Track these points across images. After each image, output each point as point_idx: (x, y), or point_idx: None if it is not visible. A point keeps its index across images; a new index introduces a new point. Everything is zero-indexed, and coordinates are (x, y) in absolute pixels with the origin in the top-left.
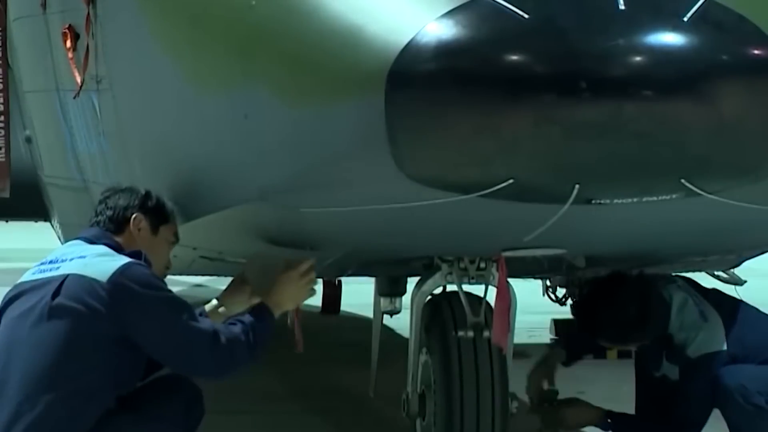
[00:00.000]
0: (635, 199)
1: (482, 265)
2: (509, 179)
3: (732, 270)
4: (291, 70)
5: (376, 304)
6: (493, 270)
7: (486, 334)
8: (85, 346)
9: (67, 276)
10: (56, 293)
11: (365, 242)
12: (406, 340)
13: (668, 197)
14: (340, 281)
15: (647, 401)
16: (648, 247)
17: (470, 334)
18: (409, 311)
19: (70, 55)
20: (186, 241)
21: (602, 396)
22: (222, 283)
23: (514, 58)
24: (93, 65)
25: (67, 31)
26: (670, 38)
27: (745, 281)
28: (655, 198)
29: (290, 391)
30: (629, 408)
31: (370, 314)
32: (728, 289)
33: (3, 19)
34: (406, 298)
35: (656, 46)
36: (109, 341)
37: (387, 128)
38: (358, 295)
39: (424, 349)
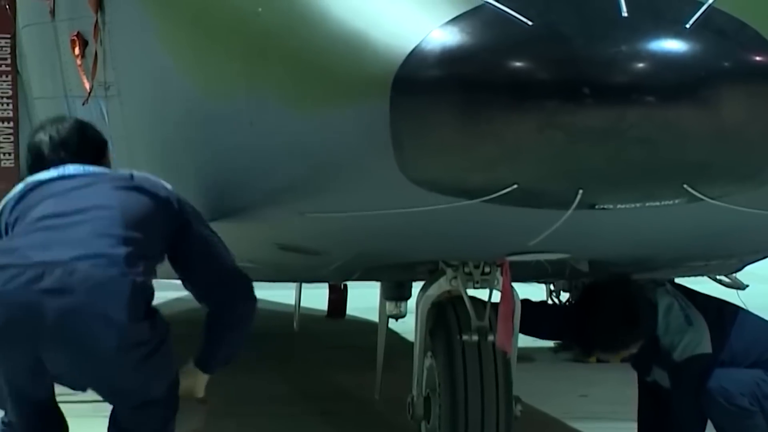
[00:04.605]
0: (638, 204)
1: (487, 269)
2: (513, 185)
3: (734, 274)
4: (296, 76)
5: (382, 308)
6: (498, 274)
7: (490, 337)
8: (158, 221)
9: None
10: (131, 178)
11: (370, 247)
12: (411, 343)
13: (671, 202)
14: (345, 285)
15: (646, 407)
16: (650, 252)
17: (475, 337)
18: (414, 315)
19: (78, 61)
20: None
21: (606, 399)
22: None
23: (518, 64)
24: (101, 72)
25: (75, 38)
26: (672, 45)
27: (747, 285)
28: (657, 203)
29: (296, 394)
30: (635, 411)
31: (375, 318)
32: (730, 294)
33: (12, 26)
34: (411, 302)
35: (659, 53)
36: (172, 229)
37: (392, 134)
38: (364, 299)
39: (429, 353)
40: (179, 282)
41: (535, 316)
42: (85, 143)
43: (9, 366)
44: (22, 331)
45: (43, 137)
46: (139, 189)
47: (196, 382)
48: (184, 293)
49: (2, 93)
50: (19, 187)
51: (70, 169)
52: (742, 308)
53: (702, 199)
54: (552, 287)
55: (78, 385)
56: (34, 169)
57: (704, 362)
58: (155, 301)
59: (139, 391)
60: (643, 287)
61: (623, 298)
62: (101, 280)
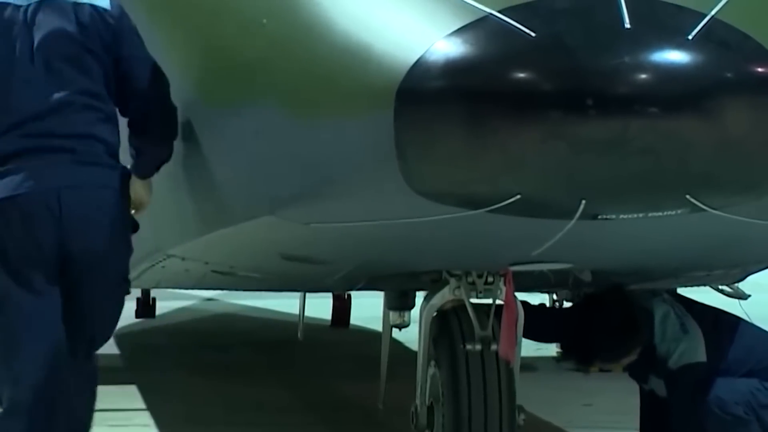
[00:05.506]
0: (641, 215)
1: (490, 279)
2: (516, 195)
3: (736, 284)
4: (301, 87)
5: (385, 317)
6: (501, 284)
7: (493, 347)
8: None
9: None
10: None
11: (374, 257)
12: (415, 353)
13: (674, 213)
14: (349, 295)
15: (647, 416)
16: (653, 262)
17: (478, 347)
18: (417, 325)
19: None
20: (198, 255)
21: (609, 408)
22: (233, 296)
23: (521, 75)
24: None
25: None
26: (674, 56)
27: (749, 295)
28: (660, 213)
29: (300, 403)
30: (638, 421)
31: (379, 328)
32: (732, 304)
33: None
34: (415, 312)
35: (661, 64)
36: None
37: (396, 144)
38: (368, 308)
39: (433, 362)
40: (183, 292)
41: (535, 320)
42: None
43: (31, 249)
44: (44, 224)
45: None
46: (97, 32)
47: (142, 189)
48: (188, 303)
49: None
50: None
51: None
52: (739, 318)
53: (705, 210)
54: (555, 297)
55: (86, 269)
56: None
57: (699, 371)
58: (159, 310)
59: (123, 264)
60: (638, 296)
61: (621, 304)
62: (103, 169)
